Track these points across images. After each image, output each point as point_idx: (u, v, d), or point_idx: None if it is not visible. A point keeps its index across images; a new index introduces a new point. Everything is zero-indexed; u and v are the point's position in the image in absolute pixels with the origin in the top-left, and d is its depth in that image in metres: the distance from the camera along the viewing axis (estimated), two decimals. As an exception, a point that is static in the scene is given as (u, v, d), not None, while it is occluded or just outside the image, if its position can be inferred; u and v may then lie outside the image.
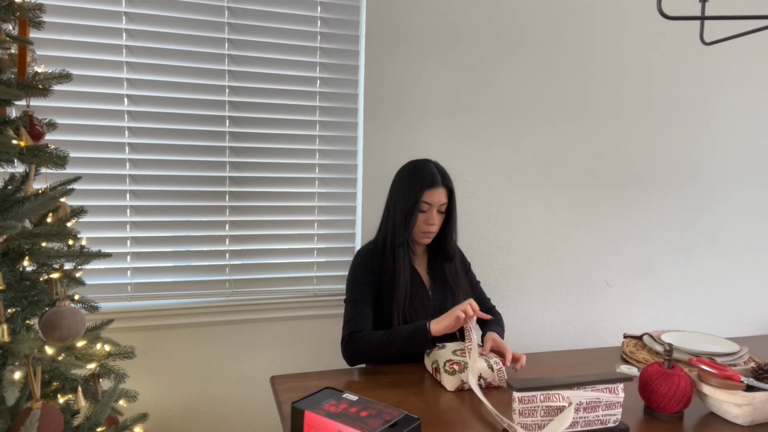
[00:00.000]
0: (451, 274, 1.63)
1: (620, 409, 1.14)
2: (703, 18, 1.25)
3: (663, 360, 1.25)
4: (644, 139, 2.32)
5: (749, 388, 1.24)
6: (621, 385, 1.14)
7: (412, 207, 1.52)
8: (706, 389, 1.23)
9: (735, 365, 1.46)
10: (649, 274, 2.41)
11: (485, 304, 1.74)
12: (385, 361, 1.51)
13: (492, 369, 1.34)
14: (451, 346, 1.43)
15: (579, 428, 1.12)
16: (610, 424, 1.15)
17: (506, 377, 1.36)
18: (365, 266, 1.57)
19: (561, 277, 2.28)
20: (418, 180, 1.53)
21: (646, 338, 1.64)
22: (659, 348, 1.56)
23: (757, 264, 2.59)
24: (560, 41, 2.14)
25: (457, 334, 1.63)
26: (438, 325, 1.37)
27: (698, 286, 2.50)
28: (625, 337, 1.72)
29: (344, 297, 1.59)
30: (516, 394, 1.08)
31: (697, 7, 2.29)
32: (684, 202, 2.42)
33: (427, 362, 1.45)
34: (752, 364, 1.39)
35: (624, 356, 1.62)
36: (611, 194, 2.30)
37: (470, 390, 1.33)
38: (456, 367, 1.33)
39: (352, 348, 1.47)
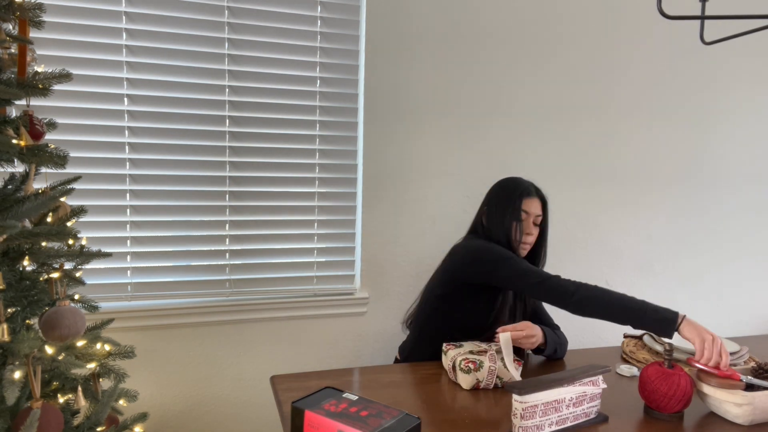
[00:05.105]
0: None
1: (599, 400, 1.20)
2: (703, 18, 1.25)
3: (663, 360, 1.25)
4: (644, 138, 2.32)
5: (749, 387, 1.24)
6: (601, 377, 1.18)
7: (513, 215, 1.52)
8: (706, 389, 1.23)
9: (735, 365, 1.46)
10: (649, 274, 2.41)
11: (549, 323, 1.71)
12: (598, 315, 1.35)
13: (508, 369, 1.36)
14: (468, 346, 1.44)
15: (569, 423, 1.14)
16: (593, 416, 1.19)
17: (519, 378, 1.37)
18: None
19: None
20: (516, 189, 1.55)
21: (646, 338, 1.64)
22: (659, 348, 1.56)
23: (757, 264, 2.59)
24: (560, 41, 2.14)
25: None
26: (690, 327, 1.26)
27: (698, 285, 2.50)
28: (625, 337, 1.72)
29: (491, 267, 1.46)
30: (517, 398, 1.08)
31: (697, 6, 2.29)
32: (684, 201, 2.42)
33: (445, 361, 1.45)
34: (752, 364, 1.39)
35: (624, 356, 1.62)
36: (611, 194, 2.30)
37: (474, 390, 1.35)
38: (471, 366, 1.34)
39: (581, 297, 1.35)
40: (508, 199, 1.54)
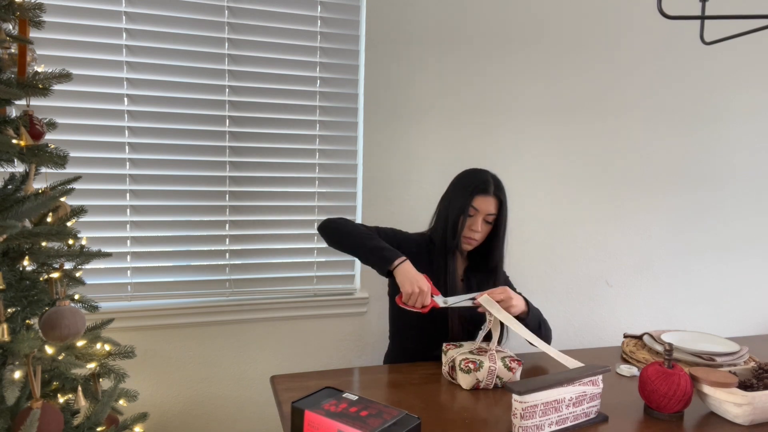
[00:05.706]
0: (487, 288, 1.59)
1: (599, 400, 1.21)
2: (703, 18, 1.25)
3: (663, 360, 1.25)
4: (644, 138, 2.32)
5: (748, 387, 1.24)
6: (601, 376, 1.19)
7: (461, 211, 1.53)
8: (706, 389, 1.23)
9: (735, 365, 1.46)
10: (649, 274, 2.41)
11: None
12: (342, 247, 1.52)
13: (509, 369, 1.35)
14: (468, 345, 1.44)
15: (569, 423, 1.14)
16: (593, 416, 1.19)
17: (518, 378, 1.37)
18: (403, 242, 1.59)
19: (561, 277, 2.27)
20: (470, 184, 1.54)
21: (646, 338, 1.64)
22: (659, 348, 1.56)
23: (757, 263, 2.59)
24: (560, 41, 2.14)
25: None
26: (404, 270, 1.38)
27: (698, 285, 2.50)
28: (625, 337, 1.72)
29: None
30: (517, 398, 1.08)
31: (697, 6, 2.29)
32: (684, 201, 2.42)
33: (445, 361, 1.46)
34: (752, 364, 1.39)
35: (624, 356, 1.62)
36: (611, 194, 2.30)
37: (474, 390, 1.35)
38: (471, 366, 1.34)
39: (331, 220, 1.54)
40: (461, 192, 1.55)
